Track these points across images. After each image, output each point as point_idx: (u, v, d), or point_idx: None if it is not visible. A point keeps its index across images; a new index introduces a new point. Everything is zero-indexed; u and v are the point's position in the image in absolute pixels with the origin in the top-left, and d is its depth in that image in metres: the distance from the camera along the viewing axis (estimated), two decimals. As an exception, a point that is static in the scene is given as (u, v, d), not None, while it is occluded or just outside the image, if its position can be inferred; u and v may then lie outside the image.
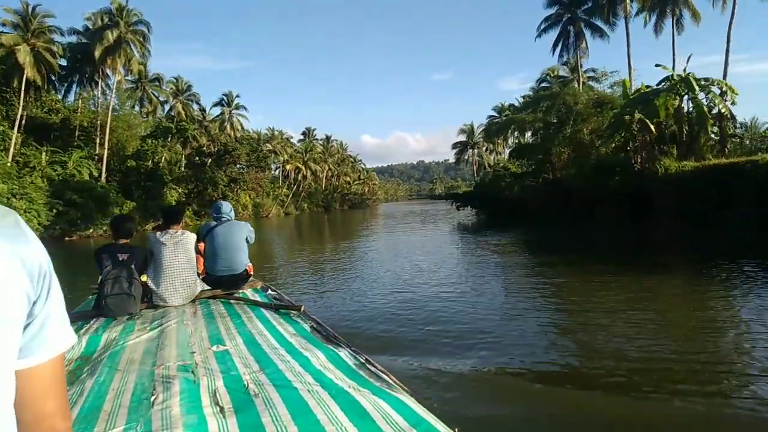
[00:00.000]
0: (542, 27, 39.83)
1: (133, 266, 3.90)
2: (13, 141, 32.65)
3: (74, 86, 42.01)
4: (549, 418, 4.05)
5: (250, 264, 4.79)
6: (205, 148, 46.32)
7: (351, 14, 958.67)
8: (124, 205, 36.18)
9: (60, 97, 42.02)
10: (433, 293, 9.06)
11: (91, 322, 3.64)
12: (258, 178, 50.70)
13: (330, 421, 1.73)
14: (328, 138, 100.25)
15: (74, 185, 32.27)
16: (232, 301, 4.17)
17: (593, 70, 48.24)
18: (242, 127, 64.15)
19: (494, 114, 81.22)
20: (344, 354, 2.58)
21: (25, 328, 0.73)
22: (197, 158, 45.54)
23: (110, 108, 40.18)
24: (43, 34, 35.82)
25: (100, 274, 3.84)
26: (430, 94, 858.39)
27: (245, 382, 2.16)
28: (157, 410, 1.92)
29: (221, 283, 4.51)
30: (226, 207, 4.83)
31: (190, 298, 4.12)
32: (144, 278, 4.03)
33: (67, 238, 30.82)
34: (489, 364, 5.19)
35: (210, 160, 45.25)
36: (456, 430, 1.69)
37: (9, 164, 29.84)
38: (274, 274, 12.48)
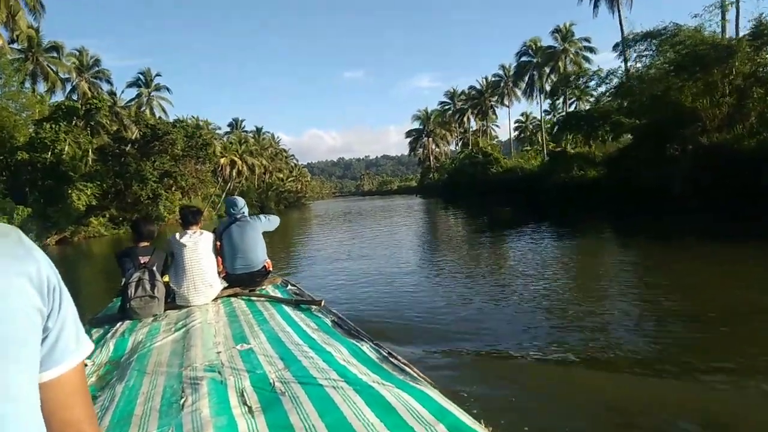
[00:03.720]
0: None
1: (154, 268, 4.14)
2: None
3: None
4: (578, 407, 3.91)
5: (269, 260, 4.99)
6: (126, 132, 35.61)
7: (254, 10, 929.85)
8: (15, 212, 25.92)
9: None
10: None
11: (117, 325, 3.83)
12: (198, 170, 40.69)
13: (356, 417, 1.78)
14: (258, 130, 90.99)
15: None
16: (253, 298, 4.41)
17: (587, 39, 43.57)
18: (165, 113, 53.21)
19: (446, 100, 76.42)
20: (366, 348, 2.66)
21: (42, 341, 0.78)
22: (113, 148, 34.93)
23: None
24: None
25: (123, 277, 4.08)
26: (343, 91, 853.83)
27: (271, 381, 2.23)
28: (188, 413, 1.98)
29: (241, 280, 4.76)
30: (240, 203, 5.05)
31: (212, 297, 4.39)
32: (166, 279, 4.28)
33: None
34: (517, 354, 5.12)
35: (130, 147, 34.76)
36: (481, 421, 1.73)
37: None
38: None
